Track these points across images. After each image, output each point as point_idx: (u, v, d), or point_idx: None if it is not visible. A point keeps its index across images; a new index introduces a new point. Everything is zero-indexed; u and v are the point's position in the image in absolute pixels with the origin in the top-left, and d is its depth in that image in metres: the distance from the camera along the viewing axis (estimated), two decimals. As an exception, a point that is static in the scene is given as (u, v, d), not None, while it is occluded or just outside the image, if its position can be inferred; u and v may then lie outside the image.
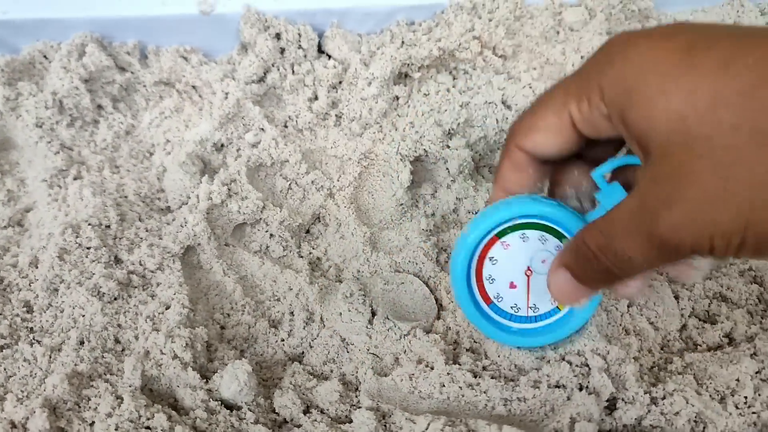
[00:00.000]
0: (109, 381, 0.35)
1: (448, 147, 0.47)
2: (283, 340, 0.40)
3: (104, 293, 0.38)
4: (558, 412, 0.35)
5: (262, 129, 0.46)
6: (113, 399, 0.33)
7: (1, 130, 0.45)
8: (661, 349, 0.39)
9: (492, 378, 0.36)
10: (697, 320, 0.40)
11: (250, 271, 0.43)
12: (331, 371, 0.39)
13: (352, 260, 0.44)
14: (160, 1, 0.48)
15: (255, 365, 0.38)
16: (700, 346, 0.39)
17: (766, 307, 0.41)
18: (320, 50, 0.50)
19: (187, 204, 0.43)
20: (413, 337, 0.39)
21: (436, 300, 0.42)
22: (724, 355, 0.37)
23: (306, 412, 0.36)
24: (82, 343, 0.36)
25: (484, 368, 0.37)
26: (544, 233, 0.33)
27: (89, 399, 0.34)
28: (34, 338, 0.37)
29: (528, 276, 0.34)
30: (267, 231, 0.44)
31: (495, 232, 0.33)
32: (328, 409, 0.36)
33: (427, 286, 0.42)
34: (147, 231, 0.42)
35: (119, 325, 0.37)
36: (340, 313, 0.40)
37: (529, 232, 0.33)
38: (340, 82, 0.48)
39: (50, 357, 0.35)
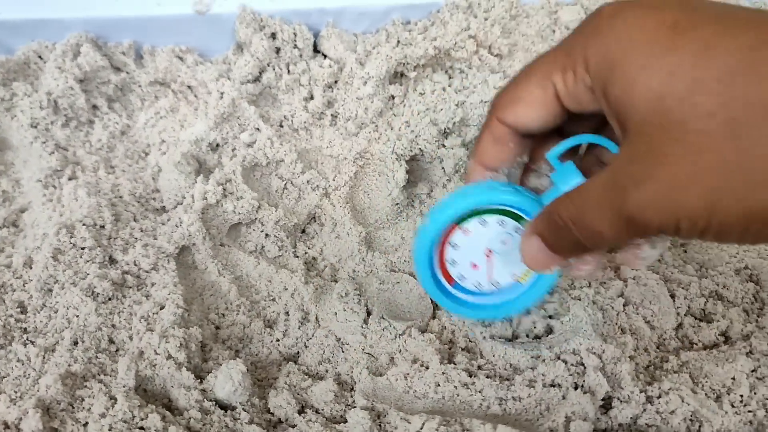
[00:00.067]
0: (103, 381, 0.34)
1: (444, 146, 0.47)
2: (278, 340, 0.40)
3: (98, 293, 0.38)
4: (553, 411, 0.35)
5: (258, 129, 0.46)
6: (107, 399, 0.33)
7: (-5, 130, 0.45)
8: (657, 347, 0.39)
9: (487, 377, 0.36)
10: (693, 319, 0.40)
11: (245, 271, 0.43)
12: (326, 371, 0.39)
13: (348, 260, 0.44)
14: (156, 1, 0.48)
15: (250, 365, 0.38)
16: (696, 344, 0.39)
17: (762, 305, 0.41)
18: (316, 50, 0.49)
19: (182, 204, 0.43)
20: (408, 336, 0.38)
21: (432, 300, 0.42)
22: (719, 354, 0.37)
23: (301, 412, 0.36)
24: (76, 343, 0.36)
25: (479, 367, 0.37)
26: (502, 217, 0.33)
27: (83, 399, 0.33)
28: (27, 339, 0.37)
29: (489, 256, 0.35)
30: (262, 231, 0.44)
31: (453, 221, 0.34)
32: (323, 409, 0.36)
33: (423, 285, 0.42)
34: (142, 231, 0.42)
35: (113, 326, 0.37)
36: (336, 313, 0.40)
37: (487, 217, 0.33)
38: (336, 82, 0.48)
39: (44, 357, 0.35)
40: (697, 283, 0.41)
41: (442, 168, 0.47)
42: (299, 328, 0.40)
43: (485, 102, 0.48)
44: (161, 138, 0.47)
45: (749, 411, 0.34)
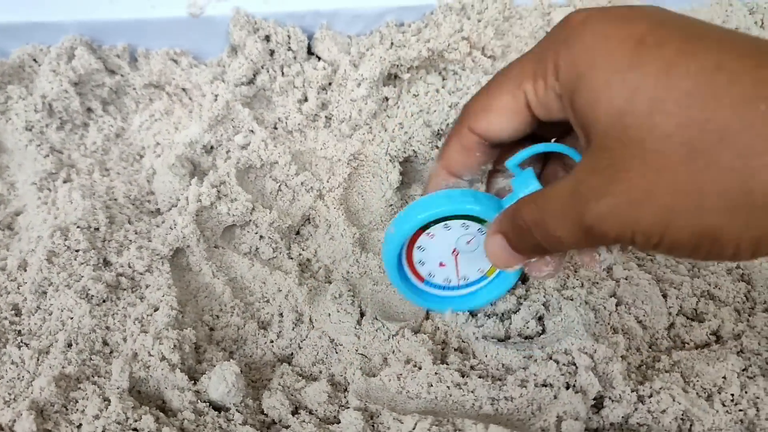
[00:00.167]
0: (97, 383, 0.35)
1: (438, 147, 0.47)
2: (272, 342, 0.40)
3: (93, 295, 0.38)
4: (545, 411, 0.35)
5: (252, 131, 0.46)
6: (101, 401, 0.33)
7: (-10, 133, 0.45)
8: (649, 347, 0.39)
9: (479, 377, 0.36)
10: (685, 318, 0.40)
11: (239, 272, 0.43)
12: (320, 372, 0.39)
13: (342, 261, 0.44)
14: (150, 4, 0.48)
15: (244, 366, 0.38)
16: (688, 344, 0.39)
17: (753, 304, 0.41)
18: (310, 52, 0.50)
19: (176, 206, 0.43)
20: (401, 337, 0.39)
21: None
22: (711, 353, 0.37)
23: (294, 413, 0.36)
24: (69, 345, 0.36)
25: (471, 368, 0.37)
26: (465, 221, 0.34)
27: (77, 401, 0.34)
28: (22, 341, 0.37)
29: (455, 255, 0.36)
30: (256, 233, 0.44)
31: (418, 229, 0.35)
32: (316, 410, 0.36)
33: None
34: (136, 233, 0.42)
35: (107, 328, 0.37)
36: (329, 314, 0.40)
37: (451, 223, 0.34)
38: (330, 84, 0.48)
39: (38, 360, 0.35)
40: (689, 282, 0.41)
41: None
42: (293, 330, 0.40)
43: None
44: (156, 140, 0.47)
45: (740, 410, 0.34)
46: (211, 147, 0.46)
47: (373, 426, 0.35)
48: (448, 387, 0.36)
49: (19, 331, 0.37)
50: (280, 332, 0.40)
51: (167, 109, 0.48)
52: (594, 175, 0.24)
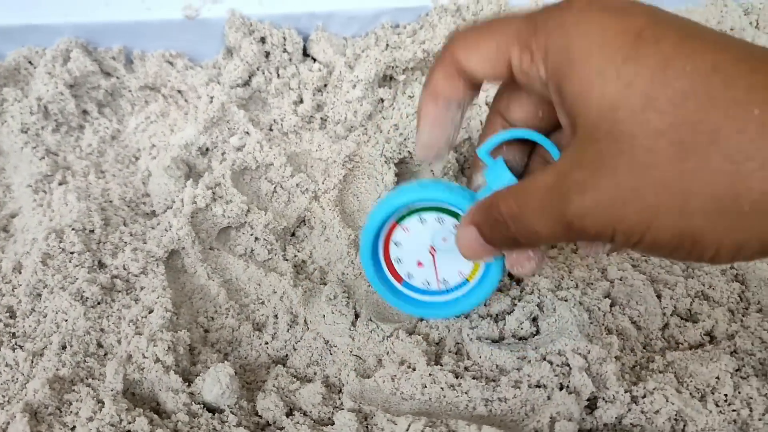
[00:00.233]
0: (91, 385, 0.35)
1: (433, 149, 0.47)
2: (266, 343, 0.40)
3: (87, 298, 0.38)
4: (538, 412, 0.35)
5: (247, 132, 0.46)
6: (94, 403, 0.33)
7: (-14, 136, 0.45)
8: (644, 348, 0.39)
9: (473, 378, 0.36)
10: (679, 319, 0.40)
11: (234, 274, 0.43)
12: (315, 373, 0.39)
13: (337, 263, 0.44)
14: (145, 6, 0.48)
15: (239, 368, 0.38)
16: (682, 344, 0.39)
17: (747, 305, 0.41)
18: (305, 54, 0.50)
19: (171, 208, 0.43)
20: (396, 338, 0.39)
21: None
22: (704, 353, 0.37)
23: (289, 414, 0.36)
24: (64, 347, 0.36)
25: (465, 369, 0.37)
26: (440, 214, 0.34)
27: (70, 403, 0.34)
28: (16, 343, 0.37)
29: (433, 254, 0.36)
30: (252, 234, 0.44)
31: (392, 219, 0.34)
32: (310, 412, 0.36)
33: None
34: (131, 235, 0.42)
35: (102, 330, 0.38)
36: (324, 316, 0.40)
37: (425, 215, 0.34)
38: (325, 85, 0.48)
39: (32, 362, 0.35)
40: (683, 283, 0.41)
41: (431, 171, 0.47)
42: (288, 331, 0.40)
43: (473, 104, 0.48)
44: (151, 142, 0.47)
45: (733, 410, 0.34)
46: (207, 149, 0.46)
47: (367, 427, 0.35)
48: (442, 388, 0.36)
49: (14, 334, 0.37)
50: (274, 334, 0.40)
51: (163, 111, 0.48)
52: (579, 168, 0.24)
